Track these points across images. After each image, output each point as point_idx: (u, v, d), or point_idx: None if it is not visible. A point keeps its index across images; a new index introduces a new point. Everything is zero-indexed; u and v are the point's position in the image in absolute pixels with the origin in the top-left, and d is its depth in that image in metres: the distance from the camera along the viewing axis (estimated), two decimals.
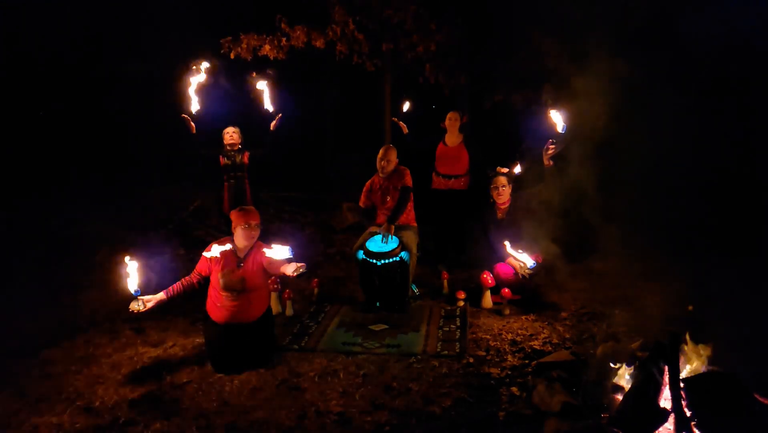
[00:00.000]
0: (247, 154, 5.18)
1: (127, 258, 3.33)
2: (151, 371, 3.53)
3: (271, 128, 5.15)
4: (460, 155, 5.46)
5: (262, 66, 7.35)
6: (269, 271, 3.61)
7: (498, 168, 5.08)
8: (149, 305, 3.37)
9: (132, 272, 3.33)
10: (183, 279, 3.56)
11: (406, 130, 5.54)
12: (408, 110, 5.63)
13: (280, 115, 5.16)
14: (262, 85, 5.15)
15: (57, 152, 9.04)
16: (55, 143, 9.14)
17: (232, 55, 7.07)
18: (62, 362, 3.67)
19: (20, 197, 8.09)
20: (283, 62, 7.22)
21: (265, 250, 3.49)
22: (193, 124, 5.00)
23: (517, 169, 5.17)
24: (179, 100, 5.04)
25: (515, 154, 5.39)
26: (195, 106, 4.97)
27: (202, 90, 5.05)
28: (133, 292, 3.31)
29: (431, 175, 5.66)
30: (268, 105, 5.15)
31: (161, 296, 3.45)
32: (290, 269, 3.34)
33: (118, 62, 9.56)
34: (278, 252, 3.37)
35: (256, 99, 5.27)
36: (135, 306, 3.31)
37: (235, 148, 5.17)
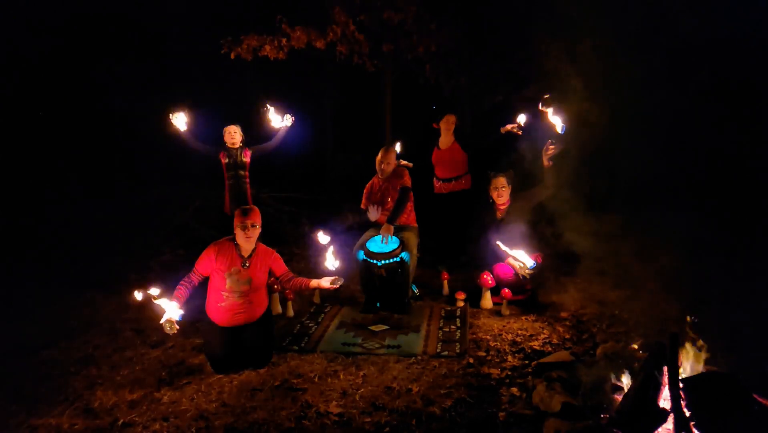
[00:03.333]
0: (248, 152, 5.18)
1: (153, 290, 3.27)
2: (150, 371, 3.53)
3: (285, 128, 5.24)
4: (456, 155, 5.45)
5: (262, 66, 7.37)
6: (285, 285, 3.75)
7: (507, 127, 5.03)
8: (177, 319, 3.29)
9: (165, 298, 3.28)
10: (184, 282, 3.50)
11: (411, 165, 5.49)
12: (401, 151, 5.54)
13: (291, 120, 5.22)
14: (276, 119, 5.24)
15: (57, 152, 9.05)
16: (55, 143, 9.15)
17: (232, 56, 7.08)
18: (61, 363, 3.67)
19: (20, 197, 8.10)
20: (283, 62, 7.23)
21: (329, 251, 3.81)
22: (176, 124, 5.02)
23: (521, 118, 5.06)
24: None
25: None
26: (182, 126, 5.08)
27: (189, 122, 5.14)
28: (177, 317, 3.22)
29: (432, 181, 5.65)
30: (277, 122, 5.25)
31: (178, 306, 3.37)
32: (327, 282, 3.59)
33: (118, 62, 9.57)
34: (328, 261, 3.72)
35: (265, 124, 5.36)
36: (170, 330, 3.19)
37: (236, 146, 5.18)
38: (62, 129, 9.49)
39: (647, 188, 6.46)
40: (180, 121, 5.07)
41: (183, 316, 3.27)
